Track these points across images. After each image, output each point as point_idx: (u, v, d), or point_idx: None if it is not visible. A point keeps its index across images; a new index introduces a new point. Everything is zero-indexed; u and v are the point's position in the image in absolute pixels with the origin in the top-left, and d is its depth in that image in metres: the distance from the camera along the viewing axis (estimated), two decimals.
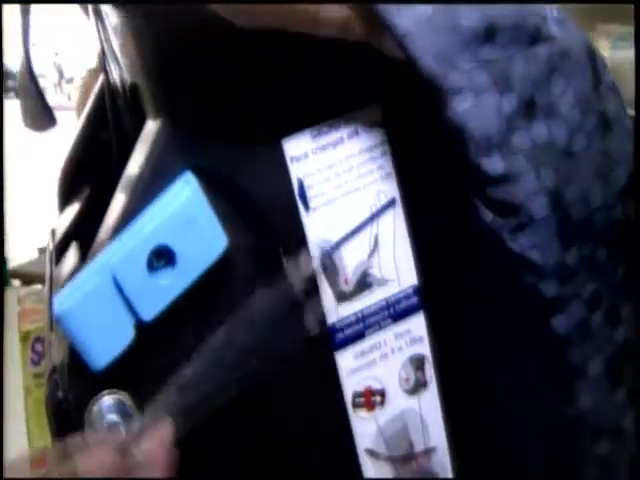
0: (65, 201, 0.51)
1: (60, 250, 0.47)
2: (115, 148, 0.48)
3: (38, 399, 0.78)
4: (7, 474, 0.27)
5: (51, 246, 0.48)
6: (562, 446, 0.31)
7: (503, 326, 0.31)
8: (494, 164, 0.27)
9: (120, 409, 0.33)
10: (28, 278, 0.86)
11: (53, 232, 0.50)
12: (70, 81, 1.05)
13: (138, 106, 0.38)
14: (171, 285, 0.32)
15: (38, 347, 0.73)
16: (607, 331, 0.30)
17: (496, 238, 0.28)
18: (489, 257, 0.29)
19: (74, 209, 0.49)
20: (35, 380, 0.76)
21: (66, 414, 0.34)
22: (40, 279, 0.58)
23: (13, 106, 0.51)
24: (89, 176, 0.50)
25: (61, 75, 1.07)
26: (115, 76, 0.45)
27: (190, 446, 0.34)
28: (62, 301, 0.31)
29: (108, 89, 0.48)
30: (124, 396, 0.33)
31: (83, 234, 0.43)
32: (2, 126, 0.46)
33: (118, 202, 0.33)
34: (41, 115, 0.43)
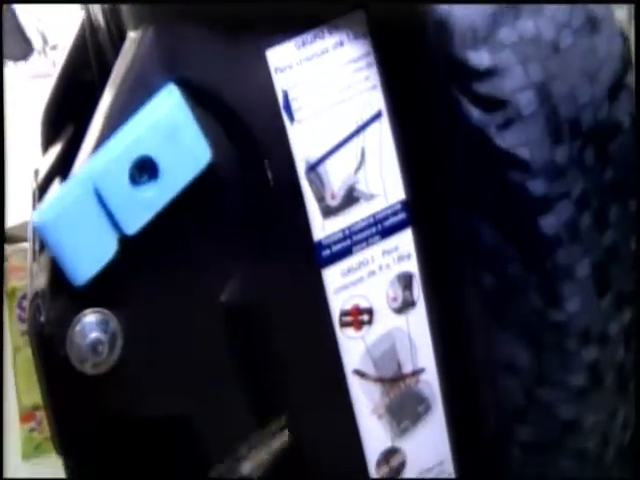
0: (48, 142, 0.50)
1: (43, 189, 0.46)
2: (98, 86, 0.47)
3: (27, 357, 0.77)
4: None
5: (34, 185, 0.48)
6: (550, 352, 0.31)
7: (489, 231, 0.30)
8: (480, 58, 0.27)
9: (103, 327, 0.32)
10: (15, 240, 0.85)
11: (36, 172, 0.49)
12: (54, 48, 1.03)
13: (120, 34, 0.37)
14: (154, 198, 0.31)
15: (25, 304, 0.73)
16: (595, 233, 0.30)
17: (482, 136, 0.28)
18: (475, 159, 0.29)
19: (57, 149, 0.48)
20: (23, 338, 0.75)
21: (49, 339, 0.33)
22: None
23: None
24: (72, 116, 0.49)
25: (45, 42, 1.05)
26: (97, 12, 0.44)
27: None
28: (43, 213, 0.31)
29: (89, 26, 0.47)
30: (108, 314, 0.32)
31: (66, 172, 0.43)
32: (2, 115, 0.46)
33: (99, 117, 0.33)
34: (19, 43, 0.42)
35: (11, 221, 0.94)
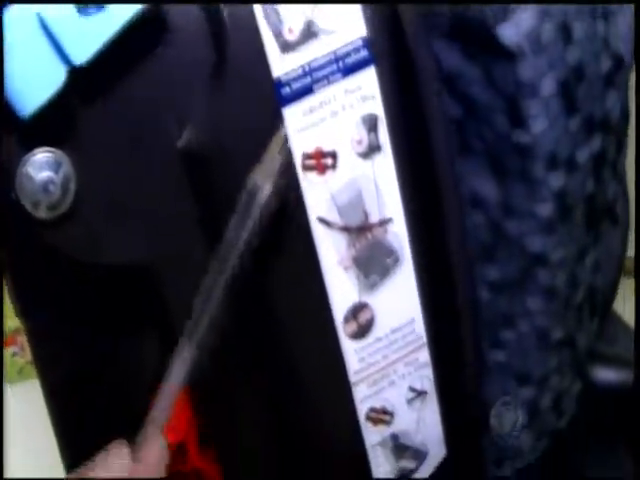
0: None
1: None
2: None
3: None
4: None
5: None
6: (516, 180, 0.30)
7: (452, 55, 0.29)
8: None
9: (55, 167, 0.31)
10: None
11: None
12: None
13: None
14: (102, 27, 0.30)
15: None
16: (559, 47, 0.29)
17: None
18: None
19: None
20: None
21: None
22: None
23: None
24: None
25: None
26: None
27: None
28: None
29: None
30: (59, 154, 0.31)
31: None
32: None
33: None
34: None
35: None
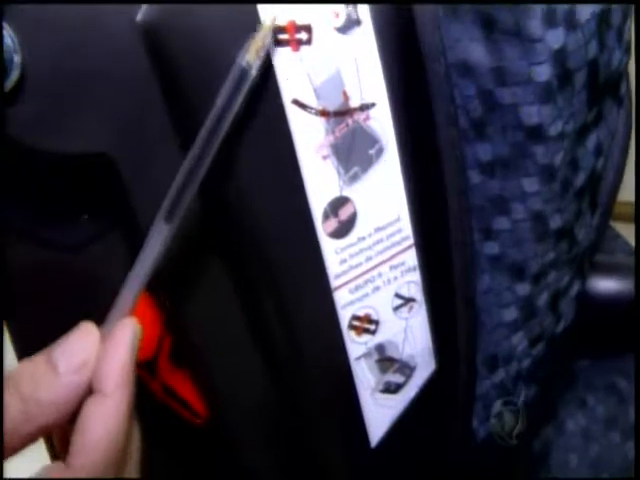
0: None
1: None
2: None
3: None
4: None
5: None
6: (508, 39, 0.27)
7: None
8: None
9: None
10: None
11: None
12: None
13: None
14: None
15: None
16: None
17: None
18: None
19: None
20: None
21: None
22: None
23: None
24: None
25: None
26: None
27: None
28: None
29: None
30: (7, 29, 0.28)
31: None
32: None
33: None
34: None
35: None
